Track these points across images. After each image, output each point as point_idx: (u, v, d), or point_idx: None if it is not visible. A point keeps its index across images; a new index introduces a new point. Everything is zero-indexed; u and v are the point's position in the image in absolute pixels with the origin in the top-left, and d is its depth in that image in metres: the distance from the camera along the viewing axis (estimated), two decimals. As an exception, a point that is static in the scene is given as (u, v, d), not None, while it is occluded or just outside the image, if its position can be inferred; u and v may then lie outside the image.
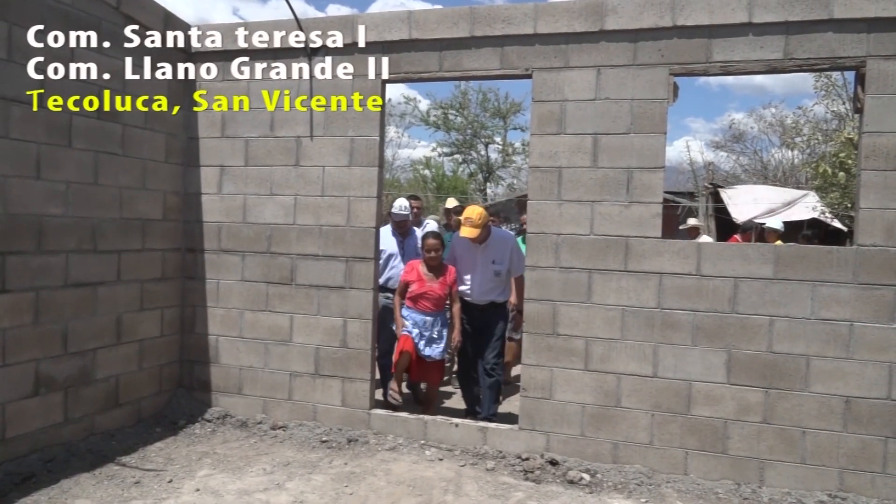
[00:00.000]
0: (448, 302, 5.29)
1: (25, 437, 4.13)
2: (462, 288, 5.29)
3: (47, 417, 4.29)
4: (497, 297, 5.28)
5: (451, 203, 7.22)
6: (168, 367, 5.37)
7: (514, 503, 3.90)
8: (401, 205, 6.08)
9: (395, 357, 5.18)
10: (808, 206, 12.46)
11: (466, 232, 5.06)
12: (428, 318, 5.13)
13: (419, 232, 6.20)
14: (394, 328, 5.35)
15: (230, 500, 3.84)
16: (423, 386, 5.80)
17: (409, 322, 5.13)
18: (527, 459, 4.44)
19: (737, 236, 8.07)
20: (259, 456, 4.57)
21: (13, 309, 4.04)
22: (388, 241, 5.92)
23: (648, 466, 4.31)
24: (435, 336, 5.17)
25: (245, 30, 5.18)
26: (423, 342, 5.10)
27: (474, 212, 5.15)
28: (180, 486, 4.03)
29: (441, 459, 4.53)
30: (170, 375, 5.39)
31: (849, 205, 10.62)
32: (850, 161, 9.87)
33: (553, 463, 4.38)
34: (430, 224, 6.80)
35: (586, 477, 4.22)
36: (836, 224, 11.79)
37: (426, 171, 27.35)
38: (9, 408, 4.03)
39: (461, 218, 5.31)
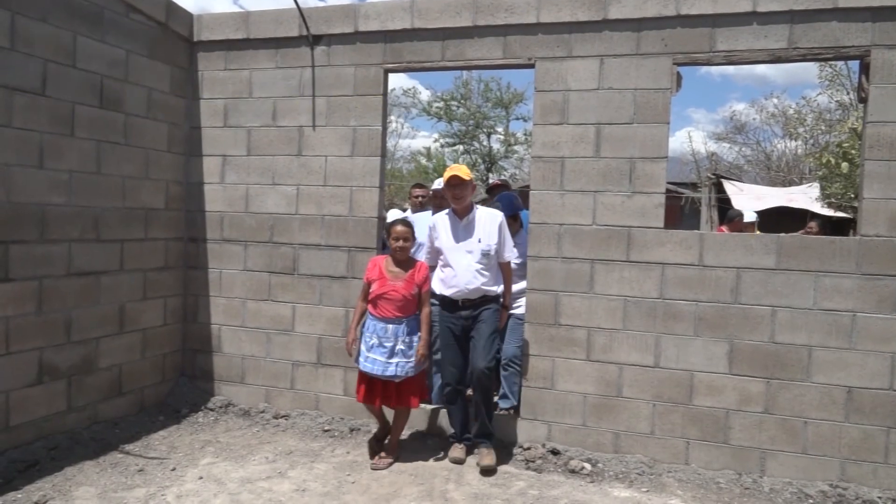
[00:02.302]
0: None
1: (29, 424, 4.16)
2: (441, 278, 4.40)
3: (51, 405, 4.31)
4: (490, 288, 4.31)
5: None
6: (171, 356, 5.39)
7: (516, 492, 3.92)
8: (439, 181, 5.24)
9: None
10: (807, 196, 12.43)
11: (457, 170, 4.28)
12: (389, 326, 4.16)
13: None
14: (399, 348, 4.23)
15: (233, 488, 3.86)
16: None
17: (368, 334, 4.22)
18: (528, 449, 4.45)
19: (723, 227, 7.96)
20: (262, 445, 4.59)
21: (17, 297, 4.05)
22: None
23: (650, 456, 4.32)
24: (403, 347, 4.17)
25: (247, 19, 5.18)
26: (381, 355, 4.15)
27: (461, 168, 4.35)
28: (183, 474, 4.05)
29: (443, 449, 4.55)
30: (172, 364, 5.42)
31: (852, 195, 10.58)
32: (853, 151, 9.82)
33: (554, 452, 4.40)
34: (393, 213, 5.76)
35: (587, 466, 4.23)
36: (838, 213, 11.76)
37: (427, 162, 27.27)
38: (13, 396, 4.05)
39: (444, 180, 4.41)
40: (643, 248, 4.34)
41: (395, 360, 4.14)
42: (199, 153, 5.40)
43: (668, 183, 4.89)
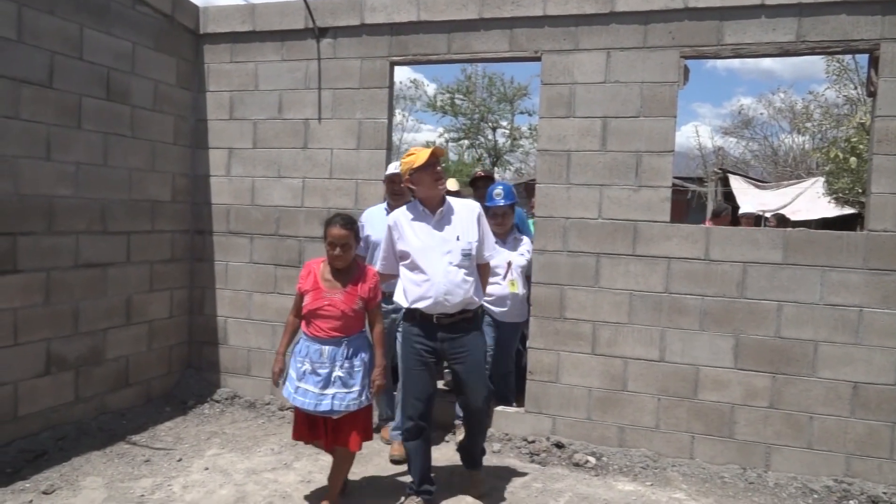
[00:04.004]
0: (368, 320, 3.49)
1: (37, 415, 4.19)
2: (409, 288, 3.46)
3: (59, 396, 4.34)
4: (473, 297, 3.44)
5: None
6: (177, 348, 5.42)
7: (520, 485, 3.93)
8: (396, 164, 4.28)
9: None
10: (817, 194, 12.33)
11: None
12: (325, 348, 3.30)
13: None
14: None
15: (239, 479, 3.88)
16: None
17: (300, 358, 3.36)
18: (533, 442, 4.46)
19: (708, 221, 7.81)
20: (267, 436, 4.61)
21: (25, 289, 4.08)
22: (379, 224, 4.12)
23: (654, 450, 4.33)
24: (341, 374, 3.29)
25: (253, 12, 5.17)
26: (314, 385, 3.28)
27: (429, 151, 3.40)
28: (189, 464, 4.08)
29: (447, 441, 4.56)
30: (179, 356, 5.44)
31: (860, 190, 10.53)
32: (861, 146, 9.78)
33: (559, 446, 4.41)
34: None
35: (592, 460, 4.24)
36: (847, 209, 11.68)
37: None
38: (21, 386, 4.08)
39: (411, 168, 3.39)
40: (649, 242, 4.33)
41: (330, 390, 3.27)
42: (205, 146, 5.41)
43: (674, 177, 4.87)
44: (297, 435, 3.48)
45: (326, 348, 3.31)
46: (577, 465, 4.21)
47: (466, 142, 26.35)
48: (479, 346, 3.55)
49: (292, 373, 3.39)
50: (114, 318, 4.75)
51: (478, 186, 5.59)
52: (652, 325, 4.33)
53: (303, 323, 3.43)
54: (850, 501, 3.81)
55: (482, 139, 26.33)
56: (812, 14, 4.02)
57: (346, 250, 3.32)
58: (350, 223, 3.34)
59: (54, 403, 4.31)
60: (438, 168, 3.41)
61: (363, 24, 4.90)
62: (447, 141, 26.38)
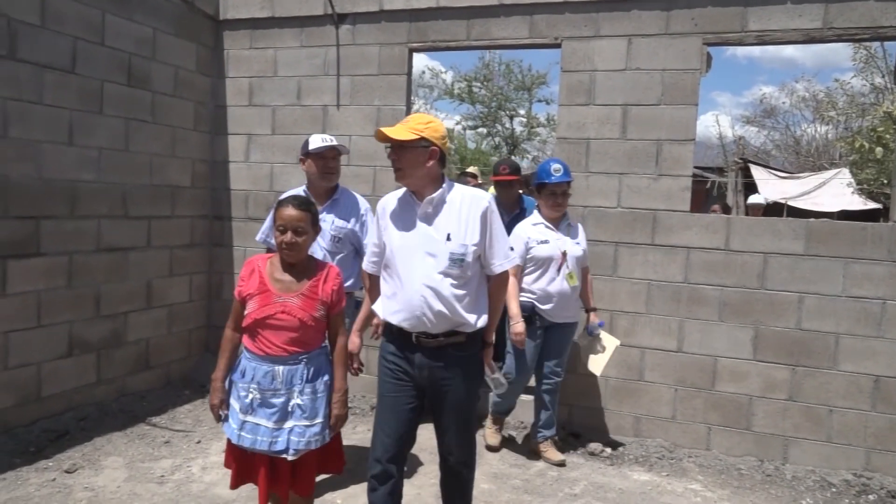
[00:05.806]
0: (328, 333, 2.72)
1: (60, 395, 4.27)
2: (385, 294, 2.68)
3: (81, 377, 4.42)
4: (465, 316, 2.55)
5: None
6: (196, 332, 5.48)
7: (535, 473, 3.94)
8: (323, 137, 3.72)
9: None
10: (842, 184, 12.13)
11: (391, 132, 2.56)
12: (280, 369, 2.56)
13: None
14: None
15: (257, 462, 3.93)
16: None
17: (244, 385, 2.61)
18: (548, 430, 4.46)
19: (715, 206, 7.89)
20: (284, 420, 4.65)
21: (48, 272, 4.14)
22: None
23: (670, 441, 4.31)
24: (302, 401, 2.57)
25: (273, -3, 5.18)
26: (268, 418, 2.55)
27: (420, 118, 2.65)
28: (208, 446, 4.13)
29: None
30: (198, 340, 5.50)
31: (885, 181, 10.35)
32: (888, 136, 9.60)
33: (575, 435, 4.41)
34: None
35: (608, 450, 4.23)
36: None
37: (449, 144, 27.11)
38: (44, 367, 4.15)
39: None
40: (668, 232, 4.29)
41: (288, 423, 2.56)
42: (224, 132, 5.44)
43: (694, 167, 4.81)
44: (233, 483, 2.71)
45: (281, 369, 2.56)
46: (592, 454, 4.21)
47: (483, 130, 26.24)
48: (471, 384, 2.67)
49: (235, 404, 2.62)
50: (134, 302, 4.81)
51: (502, 186, 4.84)
52: (670, 316, 4.30)
53: (245, 337, 2.67)
54: (870, 496, 3.77)
55: (499, 127, 26.20)
56: (839, 0, 3.94)
57: (300, 236, 2.57)
58: (306, 204, 2.62)
59: (76, 384, 4.38)
60: (399, 152, 2.54)
61: (382, 11, 4.88)
62: (464, 129, 26.30)
